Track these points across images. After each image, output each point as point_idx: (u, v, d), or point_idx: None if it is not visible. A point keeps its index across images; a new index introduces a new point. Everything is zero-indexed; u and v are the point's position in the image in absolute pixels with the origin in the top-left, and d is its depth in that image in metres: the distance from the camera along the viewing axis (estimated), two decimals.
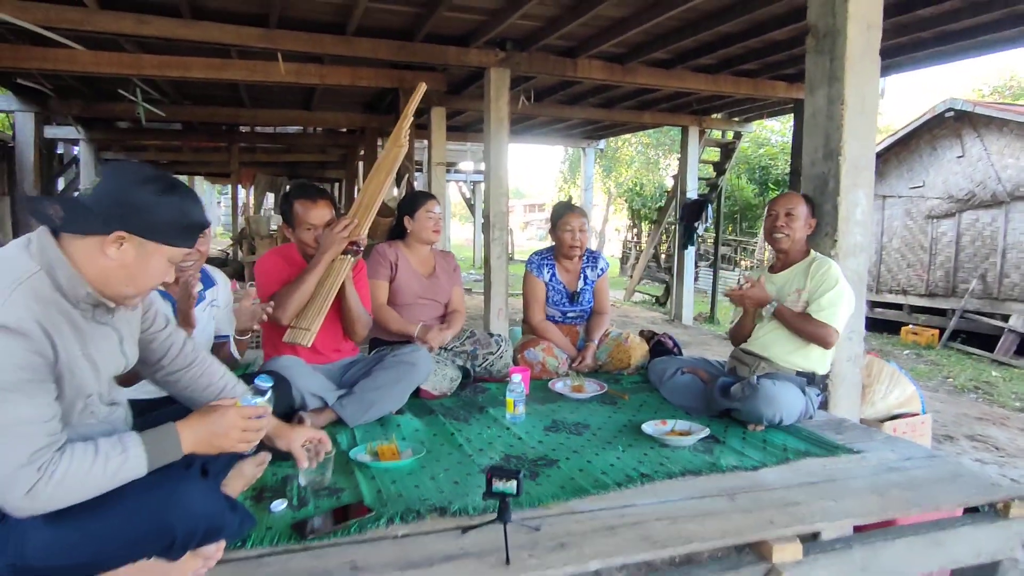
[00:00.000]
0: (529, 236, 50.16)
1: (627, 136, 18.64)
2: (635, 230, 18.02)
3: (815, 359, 2.57)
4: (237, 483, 1.65)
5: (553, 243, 3.40)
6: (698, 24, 5.81)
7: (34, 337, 1.18)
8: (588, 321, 3.39)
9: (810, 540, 1.72)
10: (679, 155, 10.74)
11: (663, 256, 14.21)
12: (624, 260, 18.04)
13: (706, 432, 2.27)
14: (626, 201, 19.14)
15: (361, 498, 1.73)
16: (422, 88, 3.04)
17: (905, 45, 6.32)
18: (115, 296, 1.33)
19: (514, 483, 1.46)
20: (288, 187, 10.50)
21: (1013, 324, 9.25)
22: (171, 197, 1.31)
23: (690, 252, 10.21)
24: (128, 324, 1.46)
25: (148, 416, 1.56)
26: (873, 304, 11.74)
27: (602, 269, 3.43)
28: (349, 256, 2.48)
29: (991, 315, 9.75)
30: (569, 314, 3.37)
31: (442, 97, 8.08)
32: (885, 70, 7.34)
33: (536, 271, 3.36)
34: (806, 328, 2.51)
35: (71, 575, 1.24)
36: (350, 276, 2.52)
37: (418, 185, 14.35)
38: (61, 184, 12.22)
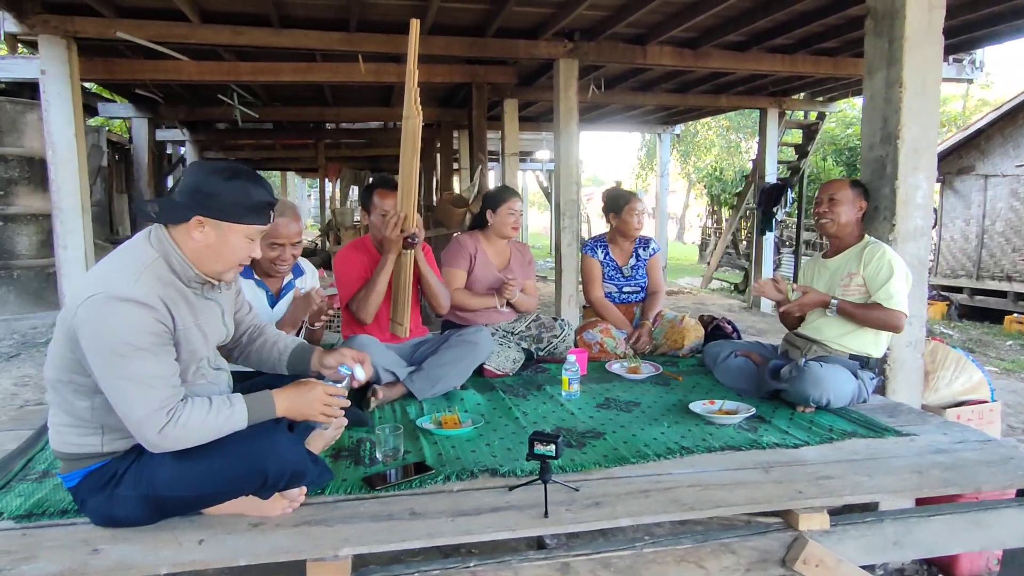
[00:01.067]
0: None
1: (706, 120, 18.18)
2: (715, 216, 17.60)
3: (868, 342, 2.58)
4: (318, 443, 1.92)
5: (608, 228, 3.54)
6: (770, 5, 5.70)
7: (159, 309, 1.48)
8: (644, 301, 3.51)
9: (841, 512, 1.80)
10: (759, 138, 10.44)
11: (743, 243, 13.85)
12: (703, 247, 17.67)
13: (752, 412, 2.35)
14: (705, 187, 18.69)
15: (423, 459, 1.96)
16: (415, 27, 2.78)
17: (999, 14, 5.94)
18: (211, 273, 1.61)
19: (553, 447, 1.63)
20: (370, 179, 11.04)
21: None
22: (236, 181, 1.56)
23: (768, 238, 9.95)
24: (227, 301, 1.75)
25: (244, 383, 1.85)
26: (973, 291, 11.03)
27: (654, 250, 3.55)
28: (410, 251, 2.70)
29: None
30: (625, 288, 3.50)
31: (514, 89, 8.26)
32: (980, 41, 6.92)
33: (591, 252, 3.52)
34: (874, 317, 2.50)
35: (186, 505, 1.55)
36: (422, 259, 2.76)
37: (493, 176, 14.63)
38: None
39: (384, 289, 2.70)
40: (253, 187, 1.59)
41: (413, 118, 2.69)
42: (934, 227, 13.32)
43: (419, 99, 2.78)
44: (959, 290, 11.26)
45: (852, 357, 2.59)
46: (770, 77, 8.36)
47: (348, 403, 1.72)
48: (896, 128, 2.63)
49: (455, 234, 3.30)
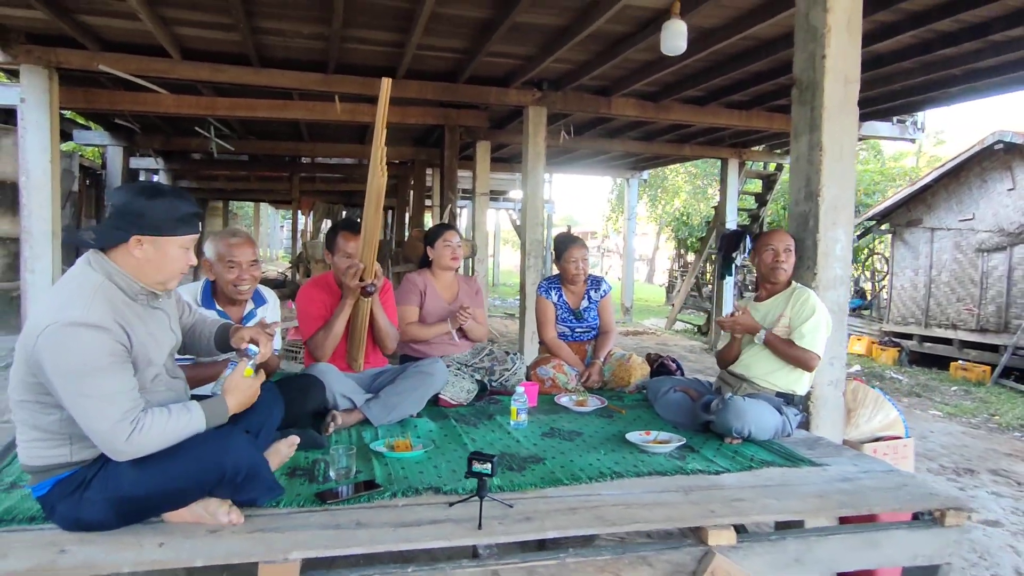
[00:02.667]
0: None
1: (675, 166, 18.83)
2: (681, 259, 18.09)
3: (793, 380, 2.82)
4: (274, 460, 2.06)
5: (558, 272, 3.77)
6: (725, 65, 6.12)
7: (113, 330, 1.64)
8: (596, 340, 3.72)
9: (752, 532, 2.00)
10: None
11: (707, 286, 14.27)
12: (670, 289, 18.09)
13: (683, 442, 2.56)
14: (673, 230, 19.24)
15: (373, 478, 2.11)
16: (387, 85, 2.77)
17: (936, 82, 6.46)
18: (154, 284, 1.79)
19: (489, 465, 1.81)
20: (338, 220, 11.19)
21: None
22: (160, 199, 1.75)
23: (729, 282, 10.34)
24: (171, 308, 1.95)
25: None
26: (922, 339, 11.52)
27: (604, 291, 3.77)
28: (366, 299, 2.88)
29: None
30: (577, 330, 3.71)
31: (486, 131, 8.60)
32: (919, 105, 7.47)
33: (545, 294, 3.73)
34: (791, 353, 2.77)
35: (151, 505, 1.70)
36: (377, 301, 2.94)
37: (466, 214, 14.91)
38: None
39: (341, 332, 2.90)
40: (178, 201, 1.78)
41: (378, 178, 2.81)
42: (885, 276, 13.92)
43: (385, 159, 2.90)
44: (909, 337, 11.74)
45: (778, 394, 2.83)
46: (728, 130, 8.84)
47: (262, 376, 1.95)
48: (817, 187, 2.92)
49: (405, 274, 3.51)
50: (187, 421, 1.69)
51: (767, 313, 2.93)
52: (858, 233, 13.77)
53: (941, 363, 10.87)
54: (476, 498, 1.81)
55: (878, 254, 14.93)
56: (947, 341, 11.06)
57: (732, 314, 2.93)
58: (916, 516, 2.23)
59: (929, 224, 11.49)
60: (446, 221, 7.20)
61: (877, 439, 3.08)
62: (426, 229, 4.13)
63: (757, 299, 3.05)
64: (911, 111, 7.83)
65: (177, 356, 2.03)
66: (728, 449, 2.58)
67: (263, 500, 1.84)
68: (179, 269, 1.81)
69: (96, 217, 11.19)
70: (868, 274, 15.27)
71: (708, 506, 1.97)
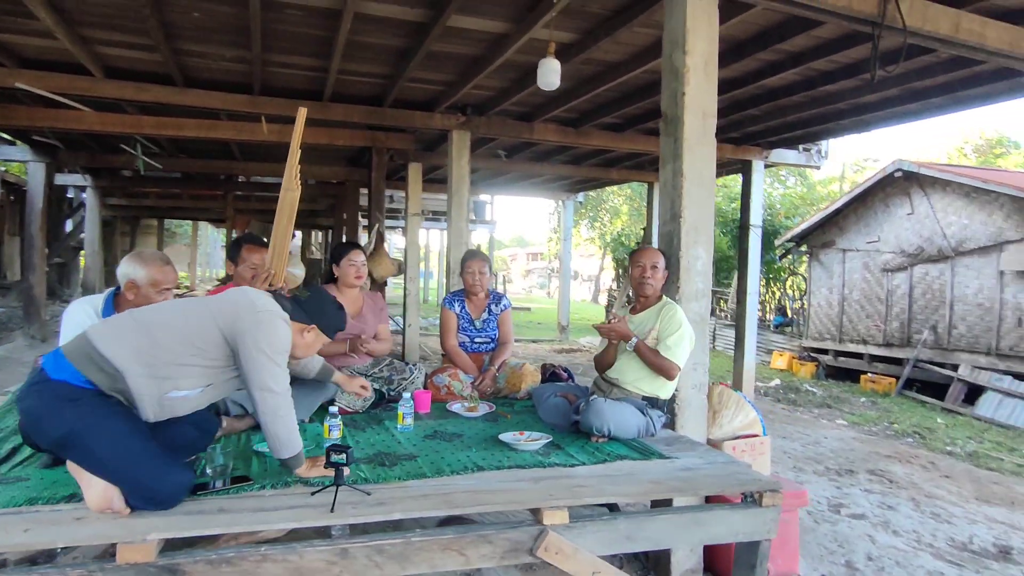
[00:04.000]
0: (530, 284, 51.00)
1: (613, 188, 19.46)
2: (620, 279, 18.65)
3: (657, 386, 3.11)
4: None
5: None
6: (634, 95, 6.55)
7: None
8: (494, 350, 3.97)
9: (590, 512, 2.25)
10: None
11: None
12: (609, 308, 18.59)
13: (548, 439, 2.80)
14: (611, 251, 19.83)
15: (248, 474, 2.28)
16: (302, 115, 3.24)
17: (825, 115, 7.04)
18: None
19: (344, 455, 2.01)
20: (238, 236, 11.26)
21: (961, 373, 9.70)
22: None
23: None
24: None
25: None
26: (837, 353, 12.23)
27: (504, 306, 4.03)
28: None
29: (942, 364, 10.20)
30: (476, 340, 3.95)
31: (418, 153, 8.85)
32: (818, 135, 8.08)
33: (449, 305, 3.96)
34: (656, 362, 3.06)
35: (86, 458, 1.93)
36: None
37: (400, 234, 15.02)
38: (69, 226, 13.02)
39: None
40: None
41: (292, 191, 3.11)
42: (803, 295, 14.73)
43: (299, 175, 3.18)
44: (826, 352, 12.45)
45: (644, 398, 3.12)
46: (648, 156, 9.32)
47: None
48: (679, 210, 3.25)
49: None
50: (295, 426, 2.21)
51: (640, 324, 3.22)
52: (779, 254, 14.56)
53: (854, 376, 11.58)
54: (332, 485, 2.01)
55: (798, 274, 15.77)
56: (858, 356, 11.78)
57: (608, 321, 3.22)
58: (745, 498, 2.53)
59: (841, 246, 12.27)
60: (373, 240, 7.38)
61: (738, 437, 3.40)
62: (335, 246, 4.33)
63: (632, 311, 3.34)
64: (813, 140, 8.44)
65: None
66: (591, 446, 2.83)
67: None
68: None
69: (20, 234, 10.90)
70: (790, 293, 16.09)
71: (549, 491, 2.21)
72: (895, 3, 3.68)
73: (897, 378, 10.54)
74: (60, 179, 10.88)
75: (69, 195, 13.00)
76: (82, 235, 12.10)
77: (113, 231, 16.26)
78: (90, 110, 6.43)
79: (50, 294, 11.44)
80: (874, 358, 11.49)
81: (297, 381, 3.06)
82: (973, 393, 9.34)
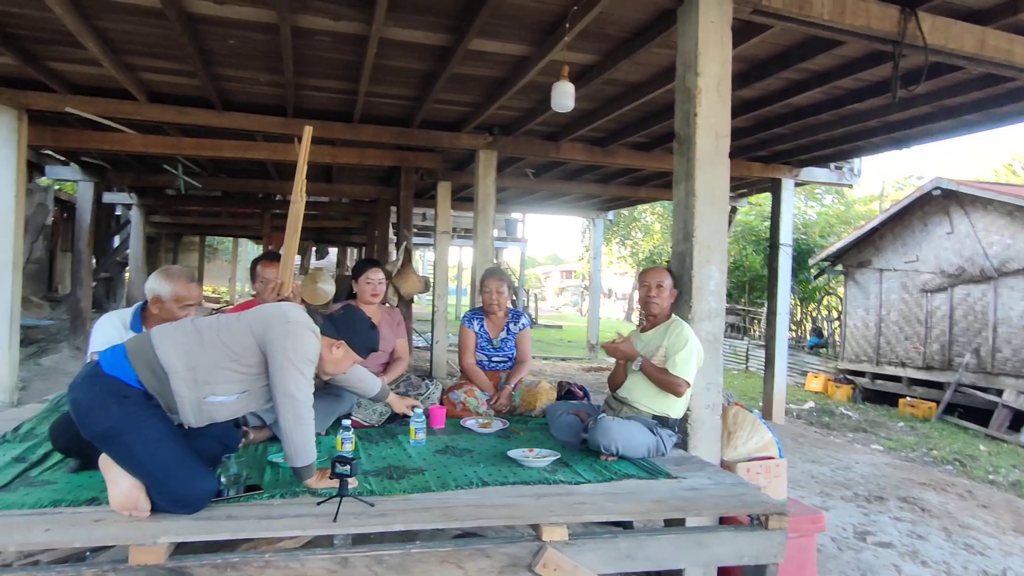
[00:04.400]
0: (563, 301, 50.86)
1: (644, 206, 19.39)
2: None
3: (667, 405, 3.11)
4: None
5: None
6: (659, 114, 6.58)
7: None
8: (511, 369, 4.01)
9: (591, 531, 2.26)
10: None
11: None
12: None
13: (556, 456, 2.83)
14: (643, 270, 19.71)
15: (260, 483, 2.37)
16: (308, 133, 3.44)
17: (856, 133, 6.95)
18: None
19: (349, 467, 2.07)
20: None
21: (1006, 399, 9.34)
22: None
23: None
24: None
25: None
26: (874, 376, 11.89)
27: (523, 325, 4.07)
28: None
29: (985, 389, 9.84)
30: (493, 358, 3.99)
31: (447, 172, 9.00)
32: (850, 153, 7.97)
33: (468, 323, 4.03)
34: (663, 379, 3.07)
35: (122, 453, 2.06)
36: None
37: (433, 252, 15.21)
38: (117, 241, 13.57)
39: None
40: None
41: (297, 203, 3.25)
42: (839, 316, 14.38)
43: (304, 189, 3.32)
44: (862, 374, 12.12)
45: (654, 417, 3.12)
46: None
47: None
48: (692, 229, 3.26)
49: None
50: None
51: (648, 343, 3.24)
52: (814, 273, 14.28)
53: (892, 400, 11.23)
54: (337, 496, 2.07)
55: (833, 294, 15.43)
56: (897, 379, 11.44)
57: (614, 341, 3.24)
58: (752, 521, 2.51)
59: (878, 265, 11.98)
60: (401, 258, 7.51)
61: (753, 459, 3.36)
62: (357, 263, 4.45)
63: (642, 330, 3.36)
64: (844, 158, 8.32)
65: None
66: (599, 464, 2.84)
67: None
68: None
69: (71, 249, 11.41)
70: (825, 313, 15.74)
71: (550, 508, 2.24)
72: (915, 22, 3.65)
73: (937, 403, 10.19)
74: (108, 198, 11.39)
75: (117, 212, 13.57)
76: (127, 251, 12.59)
77: (157, 247, 16.87)
78: (135, 132, 6.75)
79: (97, 307, 11.92)
80: (913, 381, 11.14)
81: (317, 397, 3.16)
82: (1019, 419, 8.97)
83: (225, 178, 9.80)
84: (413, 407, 3.13)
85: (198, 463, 2.14)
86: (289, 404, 2.21)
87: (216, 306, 16.21)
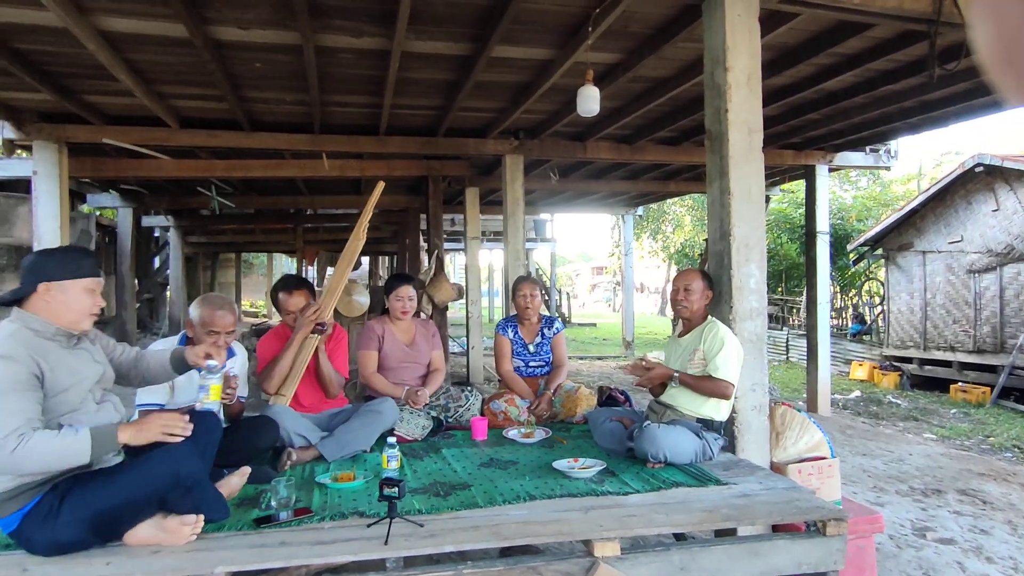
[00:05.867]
0: (596, 298, 50.57)
1: (673, 199, 19.16)
2: None
3: (711, 407, 3.05)
4: (224, 490, 2.35)
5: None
6: (687, 108, 6.47)
7: (22, 361, 1.95)
8: (549, 374, 3.98)
9: (643, 544, 2.22)
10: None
11: None
12: (675, 323, 18.24)
13: (602, 466, 2.79)
14: (675, 263, 19.48)
15: (310, 506, 2.38)
16: (379, 188, 3.66)
17: (892, 114, 6.75)
18: (68, 324, 2.14)
19: (397, 489, 2.07)
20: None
21: None
22: (57, 252, 2.19)
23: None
24: (96, 348, 2.28)
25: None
26: (922, 362, 11.53)
27: (557, 329, 4.05)
28: (316, 335, 3.21)
29: None
30: (531, 364, 3.98)
31: (475, 178, 9.01)
32: (887, 135, 7.74)
33: (502, 331, 4.02)
34: (706, 387, 3.01)
35: (120, 515, 1.98)
36: (323, 349, 3.25)
37: (462, 257, 15.28)
38: (157, 262, 13.93)
39: (288, 365, 3.18)
40: (74, 252, 2.21)
41: (358, 240, 3.54)
42: (882, 301, 13.98)
43: (365, 230, 3.50)
44: (909, 360, 11.76)
45: (698, 420, 3.06)
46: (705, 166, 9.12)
47: (188, 424, 2.15)
48: (729, 227, 3.19)
49: (368, 321, 3.85)
50: (71, 442, 1.93)
51: (686, 348, 3.17)
52: (853, 259, 13.92)
53: (942, 386, 10.86)
54: (386, 518, 2.07)
55: (874, 279, 15.00)
56: (946, 363, 11.07)
57: (638, 363, 3.19)
58: (808, 527, 2.44)
59: (920, 248, 11.63)
60: (433, 266, 7.55)
61: (803, 460, 3.28)
62: (389, 278, 4.48)
63: (679, 335, 3.30)
64: (880, 140, 8.08)
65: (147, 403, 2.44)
66: (646, 473, 2.80)
67: (210, 513, 2.13)
68: (86, 309, 2.15)
69: (114, 273, 11.76)
70: (866, 299, 15.32)
71: (599, 522, 2.21)
72: None
73: (991, 387, 9.83)
74: (147, 221, 11.70)
75: (156, 235, 13.93)
76: (167, 272, 12.91)
77: (196, 266, 17.28)
78: (168, 158, 6.90)
79: (141, 327, 12.25)
80: (964, 366, 10.76)
81: (357, 414, 3.18)
82: None
83: (257, 196, 9.98)
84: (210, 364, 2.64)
85: (145, 460, 2.05)
86: None
87: (256, 321, 16.53)
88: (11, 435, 1.86)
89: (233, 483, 2.40)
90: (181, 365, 2.44)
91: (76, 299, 2.12)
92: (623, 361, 13.42)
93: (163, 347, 2.89)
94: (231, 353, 3.08)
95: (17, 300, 2.10)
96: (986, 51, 0.47)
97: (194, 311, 2.89)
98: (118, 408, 2.27)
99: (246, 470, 2.43)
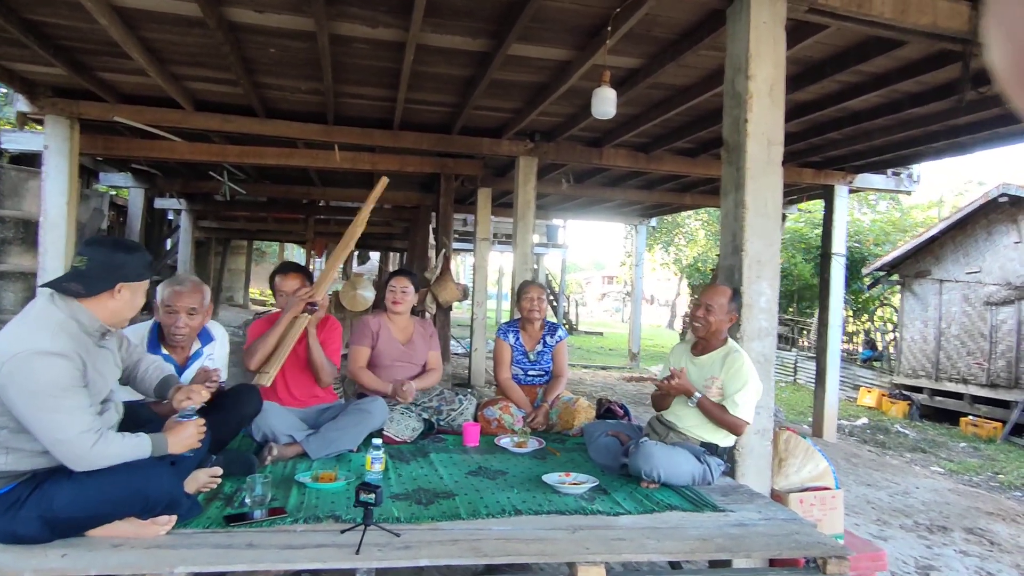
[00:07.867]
0: (605, 307, 50.27)
1: (689, 212, 18.99)
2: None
3: (717, 433, 2.91)
4: (192, 485, 2.25)
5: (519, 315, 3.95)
6: (706, 119, 6.34)
7: (74, 359, 1.90)
8: (547, 383, 3.87)
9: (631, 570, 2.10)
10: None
11: None
12: (683, 336, 18.05)
13: (594, 483, 2.67)
14: (687, 277, 19.29)
15: (285, 506, 2.28)
16: (383, 183, 3.70)
17: (917, 138, 6.59)
18: (120, 323, 2.12)
19: (374, 495, 1.97)
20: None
21: None
22: (137, 252, 2.12)
23: None
24: (114, 346, 2.21)
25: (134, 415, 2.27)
26: (933, 392, 11.30)
27: (559, 337, 3.93)
28: (306, 315, 3.12)
29: None
30: (530, 372, 3.87)
31: (487, 178, 8.92)
32: (910, 159, 7.58)
33: (503, 336, 3.90)
34: (724, 419, 2.84)
35: (79, 525, 1.91)
36: (314, 334, 3.16)
37: (472, 258, 15.20)
38: (168, 244, 13.94)
39: (273, 342, 3.08)
40: (142, 251, 2.16)
41: (359, 226, 3.53)
42: (895, 328, 13.72)
43: (367, 220, 3.58)
44: (920, 390, 11.52)
45: (702, 444, 2.92)
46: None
47: (203, 432, 2.18)
48: (741, 243, 3.07)
49: (364, 316, 3.77)
50: (136, 444, 1.97)
51: (703, 369, 3.00)
52: (868, 283, 13.69)
53: (952, 418, 10.63)
54: (361, 525, 1.97)
55: (888, 305, 14.75)
56: (958, 396, 10.84)
57: (669, 379, 3.00)
58: (807, 564, 2.31)
59: (937, 276, 11.41)
60: (440, 265, 7.46)
61: (806, 489, 3.14)
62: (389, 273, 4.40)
63: (694, 351, 3.13)
64: (903, 164, 7.92)
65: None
66: (640, 493, 2.68)
67: (183, 519, 2.05)
68: (138, 309, 2.15)
69: None
70: (879, 325, 15.07)
71: (586, 543, 2.09)
72: None
73: (1004, 422, 9.59)
74: (160, 203, 11.69)
75: (169, 217, 13.93)
76: (178, 255, 12.91)
77: (207, 251, 17.29)
78: (181, 140, 6.86)
79: (149, 310, 12.21)
80: (976, 399, 10.52)
81: (345, 412, 3.08)
82: None
83: (269, 184, 9.93)
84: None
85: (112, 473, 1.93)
86: (65, 450, 1.85)
87: (263, 309, 16.51)
88: (89, 431, 1.86)
89: (200, 480, 2.29)
90: (162, 392, 2.40)
91: (139, 300, 2.12)
92: (627, 372, 13.26)
93: (134, 332, 2.76)
94: (210, 338, 2.95)
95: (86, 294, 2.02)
96: (1002, 70, 0.45)
97: (158, 291, 2.79)
98: (118, 408, 2.20)
99: (218, 470, 2.33)
